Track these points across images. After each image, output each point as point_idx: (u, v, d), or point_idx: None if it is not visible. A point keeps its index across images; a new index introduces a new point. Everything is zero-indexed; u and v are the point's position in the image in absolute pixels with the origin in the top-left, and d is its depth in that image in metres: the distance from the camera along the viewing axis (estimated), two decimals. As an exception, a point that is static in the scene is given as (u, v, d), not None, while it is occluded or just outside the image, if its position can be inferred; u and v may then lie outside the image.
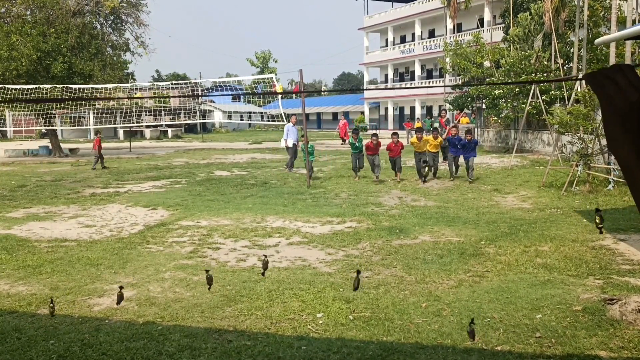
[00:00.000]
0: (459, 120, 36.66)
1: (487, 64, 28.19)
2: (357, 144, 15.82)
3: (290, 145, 18.23)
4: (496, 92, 24.77)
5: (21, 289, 6.32)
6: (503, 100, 24.66)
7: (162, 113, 50.19)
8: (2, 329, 5.03)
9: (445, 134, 17.99)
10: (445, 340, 4.62)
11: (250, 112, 71.36)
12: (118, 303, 5.50)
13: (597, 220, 5.36)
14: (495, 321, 4.98)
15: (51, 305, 5.28)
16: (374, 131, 24.15)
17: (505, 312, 5.21)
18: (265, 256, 6.29)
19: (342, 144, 32.32)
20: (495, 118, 26.60)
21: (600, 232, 6.78)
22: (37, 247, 8.46)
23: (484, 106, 28.14)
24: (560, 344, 4.46)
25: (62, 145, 31.36)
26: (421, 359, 4.26)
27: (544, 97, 20.05)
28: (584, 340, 4.51)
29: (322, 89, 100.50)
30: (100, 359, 4.38)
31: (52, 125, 30.31)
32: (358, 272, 5.80)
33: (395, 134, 16.31)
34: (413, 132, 39.76)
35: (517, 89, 22.94)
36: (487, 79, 27.05)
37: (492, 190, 13.43)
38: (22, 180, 17.58)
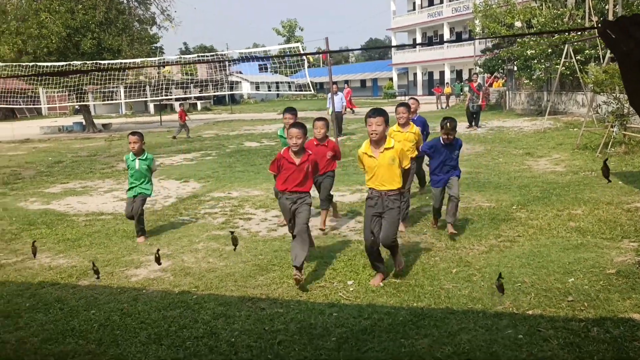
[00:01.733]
0: (491, 84, 35.69)
1: (518, 24, 27.39)
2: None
3: (330, 113, 18.11)
4: (528, 52, 24.09)
5: (62, 262, 6.55)
6: (535, 61, 23.99)
7: (191, 86, 50.50)
8: (45, 300, 5.24)
9: (480, 100, 17.59)
10: (475, 305, 4.64)
11: (277, 82, 71.21)
12: (159, 264, 5.76)
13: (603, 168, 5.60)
14: (527, 285, 4.97)
15: (95, 268, 5.54)
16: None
17: (537, 276, 5.19)
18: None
19: (352, 112, 31.06)
20: (527, 80, 25.96)
21: (608, 180, 6.94)
22: (75, 221, 8.72)
23: (515, 68, 27.46)
24: (593, 307, 4.43)
25: (95, 121, 31.92)
26: (451, 324, 4.29)
27: (578, 57, 19.46)
28: (617, 303, 4.47)
29: (350, 55, 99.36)
30: (139, 327, 4.54)
31: (85, 101, 30.82)
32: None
33: (320, 119, 7.50)
34: (443, 97, 38.92)
35: (549, 50, 22.28)
36: (519, 41, 26.32)
37: (524, 154, 13.21)
38: (59, 157, 18.02)
